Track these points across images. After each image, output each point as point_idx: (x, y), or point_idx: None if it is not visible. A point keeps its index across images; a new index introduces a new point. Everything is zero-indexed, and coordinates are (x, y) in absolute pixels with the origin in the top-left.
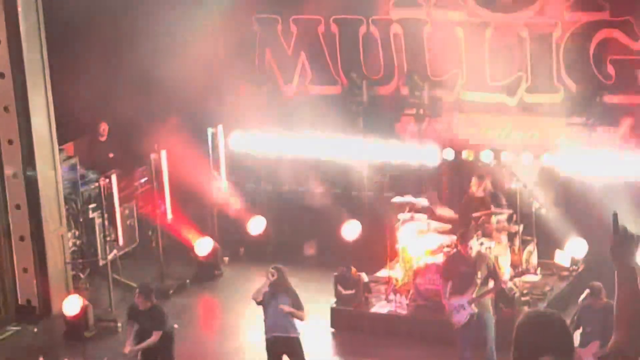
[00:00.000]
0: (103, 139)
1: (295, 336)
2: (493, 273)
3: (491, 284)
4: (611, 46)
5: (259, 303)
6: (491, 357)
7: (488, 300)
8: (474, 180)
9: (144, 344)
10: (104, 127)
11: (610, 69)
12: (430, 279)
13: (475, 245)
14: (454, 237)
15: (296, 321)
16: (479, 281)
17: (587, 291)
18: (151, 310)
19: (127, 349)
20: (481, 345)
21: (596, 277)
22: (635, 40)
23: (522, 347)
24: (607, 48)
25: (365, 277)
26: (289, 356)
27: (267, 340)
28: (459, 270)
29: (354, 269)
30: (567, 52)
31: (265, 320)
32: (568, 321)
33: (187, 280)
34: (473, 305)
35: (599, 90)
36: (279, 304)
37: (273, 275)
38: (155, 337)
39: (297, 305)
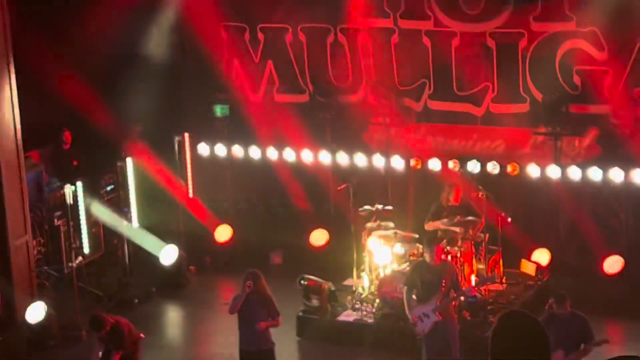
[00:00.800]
0: (67, 146)
1: (269, 348)
2: (455, 283)
3: (454, 294)
4: (577, 56)
5: (232, 312)
6: None
7: (452, 308)
8: (446, 188)
9: None
10: (67, 136)
11: (577, 79)
12: (397, 287)
13: (441, 253)
14: (420, 245)
15: (269, 333)
16: (443, 289)
17: (551, 300)
18: (111, 331)
19: None
20: (446, 353)
21: (561, 286)
22: (601, 50)
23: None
24: (573, 58)
25: (331, 286)
26: None
27: (242, 351)
28: (424, 278)
29: (312, 280)
30: (533, 62)
31: (240, 330)
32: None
33: (153, 289)
34: (437, 313)
35: (565, 100)
36: (254, 317)
37: (249, 287)
38: (115, 358)
39: (274, 313)
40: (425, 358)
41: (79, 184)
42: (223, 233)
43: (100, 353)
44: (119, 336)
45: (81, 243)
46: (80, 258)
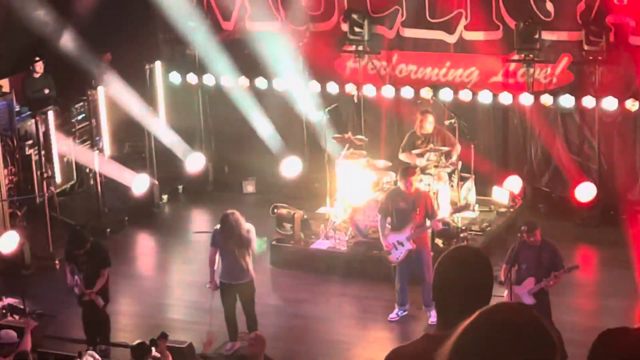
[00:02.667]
0: (37, 75)
1: (248, 280)
2: (430, 212)
3: (428, 222)
4: None
5: (214, 245)
6: (429, 293)
7: (426, 237)
8: (418, 116)
9: (98, 286)
10: (39, 65)
11: (549, 6)
12: (370, 215)
13: (416, 182)
14: (394, 174)
15: (250, 266)
16: (417, 218)
17: (523, 227)
18: (92, 249)
19: (87, 297)
20: (419, 281)
21: (533, 213)
22: None
23: (440, 282)
24: None
25: (304, 215)
26: (240, 297)
27: (222, 284)
28: (398, 206)
29: (285, 208)
30: None
31: (221, 264)
32: (505, 258)
33: (125, 218)
34: (411, 241)
35: (537, 26)
36: (234, 252)
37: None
38: (104, 275)
39: (250, 244)
40: (398, 286)
41: (50, 112)
42: (195, 162)
43: (79, 278)
44: (103, 251)
45: (53, 172)
46: (52, 187)
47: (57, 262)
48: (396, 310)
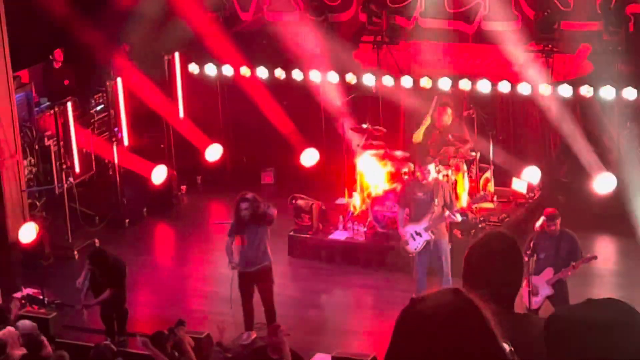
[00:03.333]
0: (58, 65)
1: (267, 264)
2: (448, 202)
3: (446, 213)
4: None
5: (231, 234)
6: (447, 284)
7: (444, 227)
8: (437, 109)
9: (96, 301)
10: (59, 54)
11: None
12: (388, 206)
13: (433, 172)
14: (412, 164)
15: (268, 249)
16: (436, 208)
17: (542, 218)
18: (112, 266)
19: (79, 307)
20: (437, 272)
21: (551, 204)
22: None
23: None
24: None
25: (323, 205)
26: (259, 283)
27: (240, 273)
28: (416, 197)
29: (303, 199)
30: None
31: (240, 253)
32: (523, 248)
33: (144, 209)
34: (429, 232)
35: (556, 16)
36: (255, 238)
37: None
38: (107, 294)
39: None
40: (416, 276)
41: (69, 103)
42: (213, 152)
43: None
44: (120, 273)
45: (72, 163)
46: (71, 178)
47: (75, 252)
48: None
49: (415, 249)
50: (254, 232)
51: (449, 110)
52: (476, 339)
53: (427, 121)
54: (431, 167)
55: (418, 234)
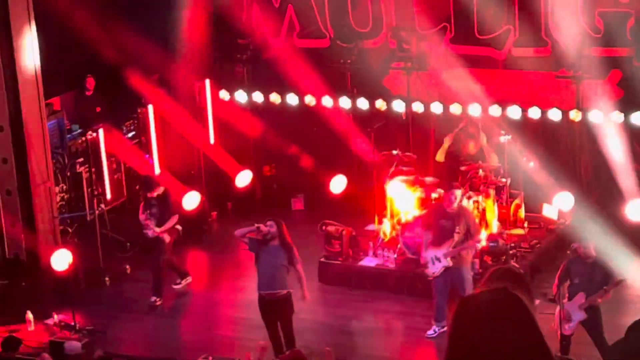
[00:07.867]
0: (89, 93)
1: (285, 292)
2: (472, 230)
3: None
4: None
5: (251, 250)
6: None
7: (468, 254)
8: (462, 139)
9: (164, 228)
10: (90, 81)
11: (599, 22)
12: (418, 232)
13: (459, 198)
14: (442, 190)
15: (286, 277)
16: (456, 235)
17: (577, 243)
18: (163, 195)
19: (150, 232)
20: (454, 298)
21: (583, 230)
22: None
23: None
24: (595, 0)
25: (353, 232)
26: (277, 312)
27: (260, 296)
28: (439, 222)
29: (333, 225)
30: (555, 5)
31: (258, 275)
32: (557, 274)
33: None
34: (448, 258)
35: (587, 43)
36: (275, 261)
37: (270, 227)
38: (174, 219)
39: (293, 261)
40: (434, 302)
41: (101, 130)
42: (244, 179)
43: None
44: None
45: (104, 189)
46: (102, 205)
47: (107, 278)
48: (433, 326)
49: (434, 273)
50: (272, 254)
51: (472, 144)
52: (523, 331)
53: (448, 141)
54: (458, 193)
55: (437, 259)
